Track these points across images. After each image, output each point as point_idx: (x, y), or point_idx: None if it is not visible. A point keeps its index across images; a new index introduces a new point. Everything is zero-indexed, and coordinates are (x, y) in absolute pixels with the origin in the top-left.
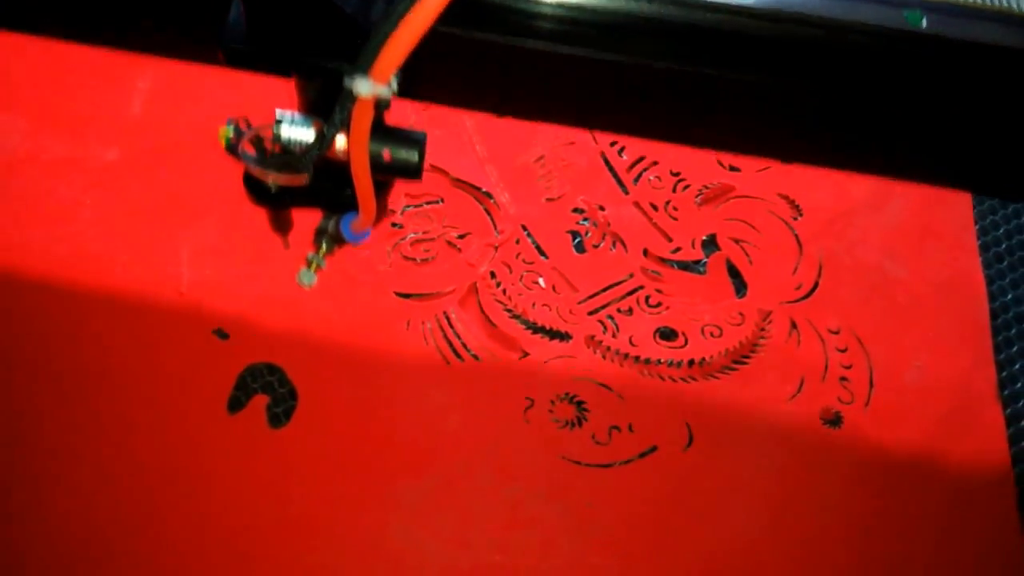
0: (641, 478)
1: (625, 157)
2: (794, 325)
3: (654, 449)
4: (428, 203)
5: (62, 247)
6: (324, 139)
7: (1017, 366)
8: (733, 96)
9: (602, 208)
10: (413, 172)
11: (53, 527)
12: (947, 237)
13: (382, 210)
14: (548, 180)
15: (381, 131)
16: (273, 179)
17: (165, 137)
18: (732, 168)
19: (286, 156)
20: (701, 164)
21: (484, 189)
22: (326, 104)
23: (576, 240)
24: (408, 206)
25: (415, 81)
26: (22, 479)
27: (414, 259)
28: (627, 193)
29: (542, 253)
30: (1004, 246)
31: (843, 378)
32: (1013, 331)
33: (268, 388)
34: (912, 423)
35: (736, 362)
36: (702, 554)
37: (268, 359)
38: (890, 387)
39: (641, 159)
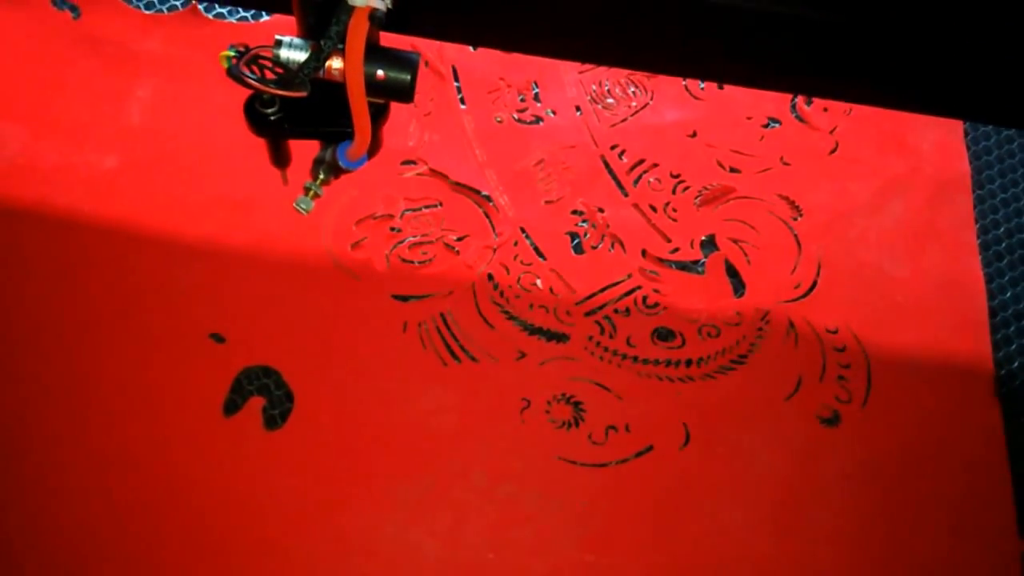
0: (637, 477)
1: (625, 160)
2: (792, 325)
3: (650, 449)
4: (427, 207)
5: (59, 254)
6: (321, 52)
7: (1016, 364)
8: (730, 26)
9: (601, 210)
10: (406, 93)
11: (47, 529)
12: (947, 235)
13: (377, 140)
14: (548, 183)
15: (376, 52)
16: (272, 92)
17: (163, 145)
18: (732, 169)
19: (285, 75)
20: (701, 166)
21: (483, 192)
22: (324, 28)
23: (575, 241)
24: (407, 210)
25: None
26: (17, 481)
27: (412, 262)
28: (627, 195)
29: (540, 255)
30: (1004, 244)
31: (841, 377)
32: (1012, 329)
33: (264, 391)
34: (910, 422)
35: (734, 362)
36: (698, 554)
37: (264, 362)
38: (888, 386)
39: (641, 162)
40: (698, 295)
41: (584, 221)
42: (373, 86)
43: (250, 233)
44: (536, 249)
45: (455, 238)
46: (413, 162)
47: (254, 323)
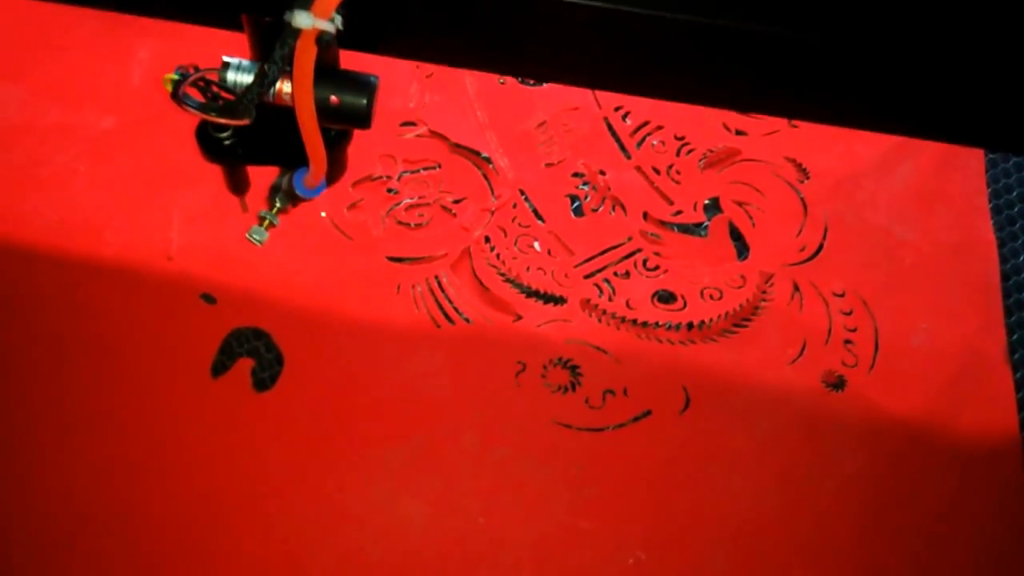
0: (635, 442)
1: (629, 122)
2: (797, 288)
3: (649, 413)
4: (425, 168)
5: (54, 213)
6: (265, 77)
7: None
8: (741, 49)
9: (603, 172)
10: (362, 119)
11: (36, 492)
12: (957, 199)
13: (337, 165)
14: (549, 145)
15: (330, 75)
16: (215, 120)
17: (161, 106)
18: (738, 132)
19: (232, 101)
20: (706, 128)
21: (483, 154)
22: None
23: (575, 204)
24: (405, 171)
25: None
26: (4, 443)
27: (408, 224)
28: (629, 158)
29: (539, 217)
30: (1016, 208)
31: (847, 341)
32: None
33: (254, 352)
34: (918, 387)
35: (736, 325)
36: (697, 520)
37: (255, 324)
38: (896, 350)
39: (645, 124)
40: (701, 258)
41: (585, 184)
42: (327, 111)
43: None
44: (535, 211)
45: (452, 200)
46: (413, 123)
47: (245, 284)
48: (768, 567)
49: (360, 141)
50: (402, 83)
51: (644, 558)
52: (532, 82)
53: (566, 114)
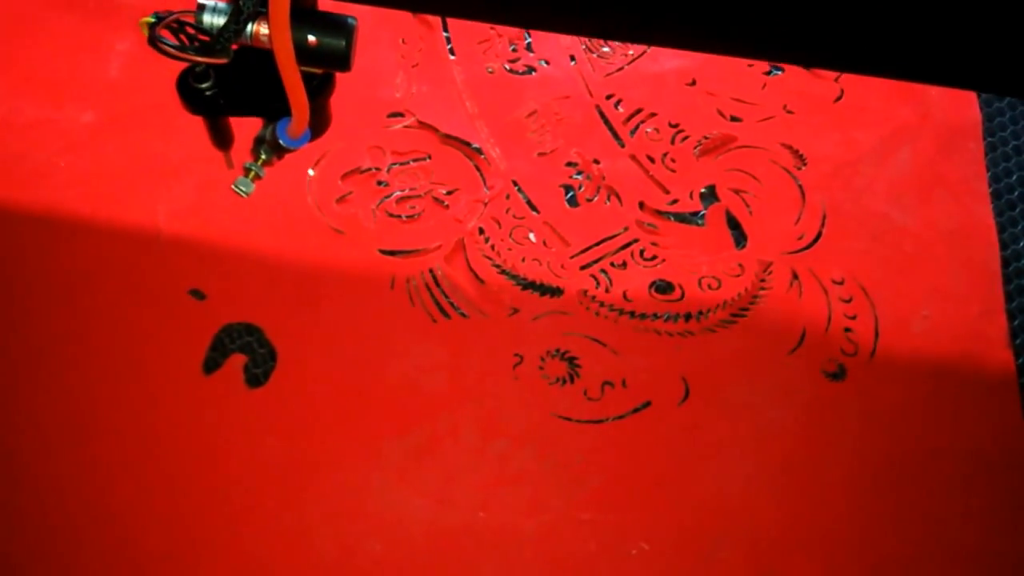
0: (634, 434)
1: (621, 110)
2: (795, 276)
3: (648, 404)
4: (415, 160)
5: (35, 210)
6: (240, 14)
7: None
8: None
9: (597, 161)
10: (341, 61)
11: (24, 489)
12: (957, 184)
13: (321, 116)
14: (541, 135)
15: (307, 16)
16: (192, 59)
17: (142, 99)
18: (733, 118)
19: (207, 42)
20: (700, 114)
21: (474, 144)
22: None
23: (569, 194)
24: (394, 163)
25: None
26: None
27: (399, 216)
28: (623, 146)
29: (533, 208)
30: (1016, 193)
31: (847, 329)
32: None
33: (246, 348)
34: (919, 375)
35: (735, 315)
36: (698, 511)
37: (247, 319)
38: (896, 338)
39: (638, 111)
40: (698, 247)
41: (579, 173)
42: (305, 53)
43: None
44: (529, 202)
45: (444, 192)
46: (401, 114)
47: (236, 279)
48: (770, 557)
49: (348, 132)
50: (388, 73)
51: (647, 548)
52: (521, 70)
53: (557, 102)
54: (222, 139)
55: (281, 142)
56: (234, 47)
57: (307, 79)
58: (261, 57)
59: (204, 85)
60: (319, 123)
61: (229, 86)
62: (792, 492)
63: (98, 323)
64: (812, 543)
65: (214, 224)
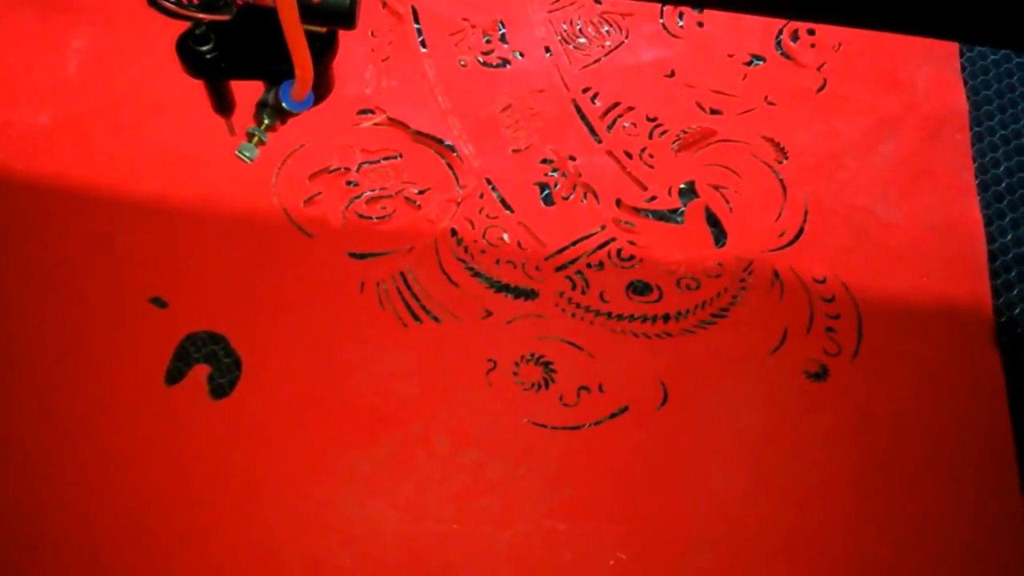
0: (612, 440)
1: (598, 104)
2: (777, 275)
3: (625, 409)
4: (386, 159)
5: None
6: None
7: (1017, 311)
8: None
9: (572, 158)
10: (346, 17)
11: None
12: (942, 176)
13: (324, 80)
14: (515, 131)
15: None
16: (195, 16)
17: (101, 98)
18: (713, 111)
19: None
20: (679, 107)
21: (446, 142)
22: None
23: (544, 192)
24: (364, 162)
25: None
26: None
27: (370, 217)
28: (600, 142)
29: (507, 207)
30: (1004, 184)
31: (829, 329)
32: (1013, 274)
33: (211, 358)
34: (903, 374)
35: (714, 315)
36: (678, 518)
37: (211, 328)
38: (880, 337)
39: (615, 105)
40: (677, 246)
41: (554, 171)
42: (308, 10)
43: (195, 190)
44: (503, 201)
45: (416, 191)
46: (371, 111)
47: (199, 286)
48: (751, 564)
49: (316, 131)
50: (357, 68)
51: (624, 558)
52: (495, 63)
53: (532, 97)
54: (223, 104)
55: (284, 105)
56: (237, 3)
57: (311, 39)
58: (263, 17)
59: (205, 48)
60: (322, 87)
61: (230, 49)
62: (774, 496)
63: (55, 333)
64: (794, 548)
65: (176, 228)
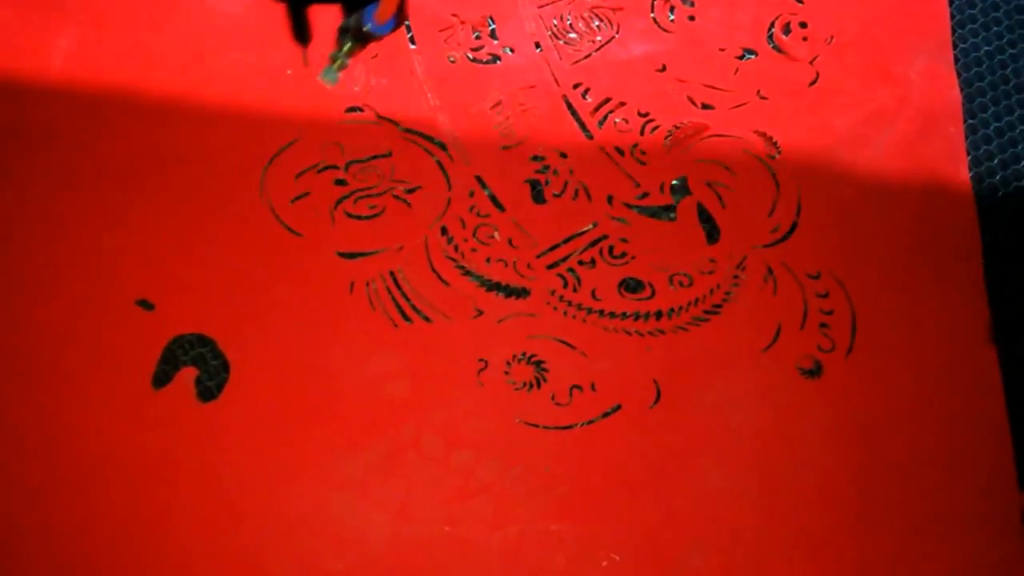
0: (605, 439)
1: (589, 99)
2: (770, 270)
3: (618, 408)
4: (375, 157)
5: None
6: None
7: (1013, 307)
8: None
9: (564, 155)
10: None
11: None
12: (937, 170)
13: (403, 5)
14: (505, 127)
15: None
16: None
17: (85, 100)
18: (705, 106)
19: None
20: (671, 102)
21: (436, 139)
22: None
23: (535, 189)
24: (352, 161)
25: None
26: None
27: (359, 216)
28: (591, 138)
29: (498, 205)
30: (999, 177)
31: (823, 324)
32: (1008, 268)
33: (199, 360)
34: (898, 371)
35: (707, 312)
36: (671, 518)
37: (199, 330)
38: (875, 334)
39: (607, 100)
40: (669, 243)
41: (545, 167)
42: None
43: (181, 190)
44: (494, 199)
45: (406, 190)
46: (359, 108)
47: (186, 288)
48: (746, 563)
49: (303, 129)
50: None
51: (618, 559)
52: (485, 59)
53: (522, 92)
54: (302, 33)
55: (367, 28)
56: None
57: None
58: None
59: None
60: (401, 11)
61: None
62: (768, 495)
63: (40, 336)
64: (789, 547)
65: (163, 230)
